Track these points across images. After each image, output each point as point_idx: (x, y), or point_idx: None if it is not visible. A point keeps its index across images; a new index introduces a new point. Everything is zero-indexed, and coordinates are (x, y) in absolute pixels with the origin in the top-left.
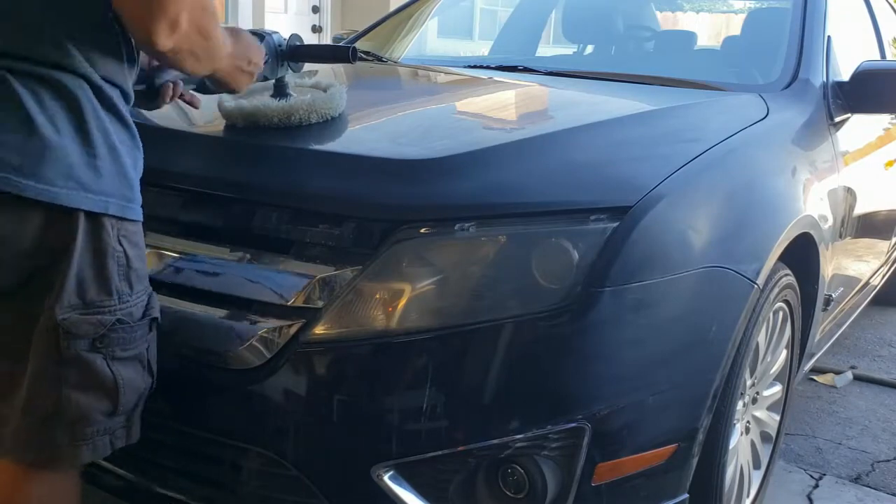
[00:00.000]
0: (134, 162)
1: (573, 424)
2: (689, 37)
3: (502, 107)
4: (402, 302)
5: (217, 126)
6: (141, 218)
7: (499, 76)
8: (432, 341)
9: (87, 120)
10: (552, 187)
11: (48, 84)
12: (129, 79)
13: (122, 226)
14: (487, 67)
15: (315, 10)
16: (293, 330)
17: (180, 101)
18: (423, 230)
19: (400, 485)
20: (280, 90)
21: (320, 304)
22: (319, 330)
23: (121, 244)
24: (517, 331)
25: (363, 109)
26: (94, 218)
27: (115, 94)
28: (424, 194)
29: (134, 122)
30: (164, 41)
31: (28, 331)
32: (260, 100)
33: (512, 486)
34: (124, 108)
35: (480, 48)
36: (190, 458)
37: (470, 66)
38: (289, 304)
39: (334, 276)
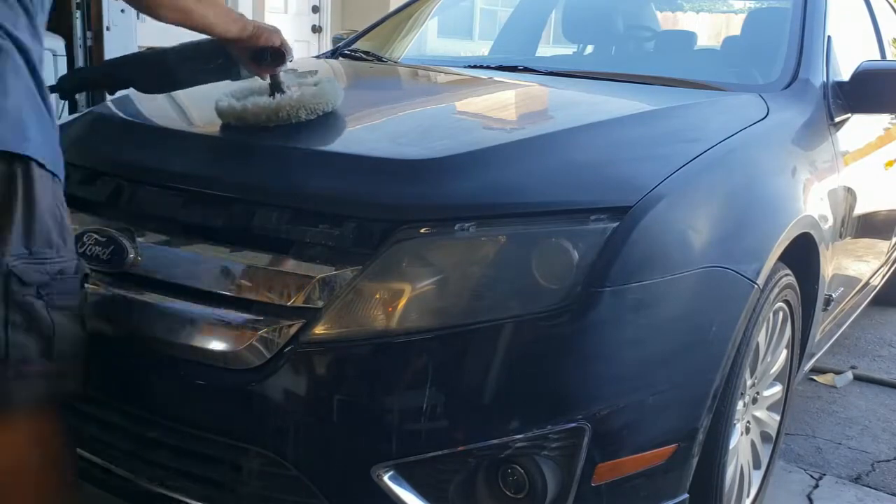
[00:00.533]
0: (54, 126)
1: (573, 424)
2: (689, 37)
3: (502, 107)
4: (402, 302)
5: (217, 126)
6: (62, 178)
7: (499, 76)
8: (432, 341)
9: (21, 79)
10: (552, 187)
11: None
12: (40, 43)
13: (55, 185)
14: (487, 67)
15: (315, 10)
16: (293, 330)
17: None
18: (423, 230)
19: (400, 485)
20: (274, 88)
21: (320, 304)
22: (319, 330)
23: (56, 203)
24: (517, 331)
25: (363, 109)
26: (35, 169)
27: (34, 59)
28: (424, 194)
29: (136, 122)
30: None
31: None
32: (251, 99)
33: (512, 486)
34: (40, 74)
35: (480, 48)
36: (190, 457)
37: (470, 66)
38: (289, 304)
39: (334, 276)
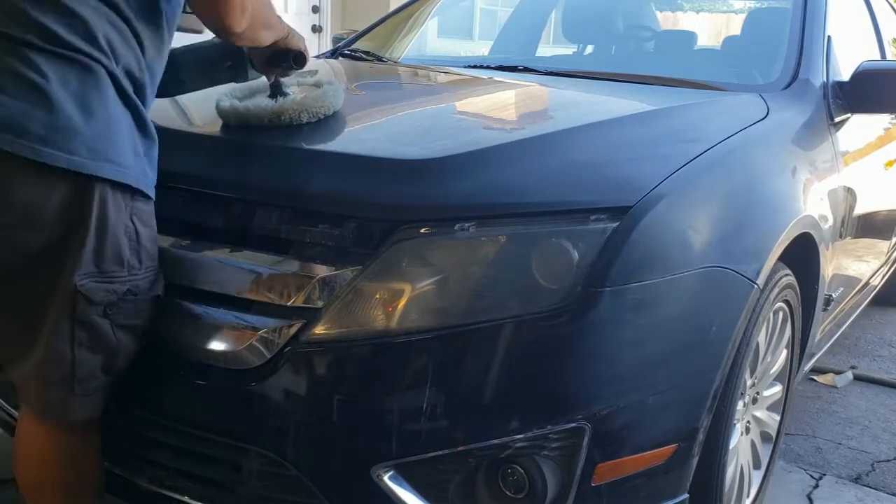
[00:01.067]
0: (147, 149)
1: (573, 424)
2: (689, 37)
3: (502, 107)
4: (402, 302)
5: (217, 126)
6: (153, 198)
7: (499, 76)
8: (432, 341)
9: (106, 101)
10: (552, 187)
11: (71, 65)
12: (146, 73)
13: (135, 205)
14: (487, 67)
15: (315, 10)
16: (293, 330)
17: None
18: (423, 230)
19: (400, 485)
20: (276, 90)
21: (320, 304)
22: (319, 330)
23: (132, 221)
24: (517, 331)
25: (363, 109)
26: (111, 190)
27: (128, 85)
28: (424, 194)
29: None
30: (238, 25)
31: (48, 295)
32: (252, 100)
33: (512, 486)
34: (138, 99)
35: (480, 48)
36: (190, 457)
37: (470, 66)
38: (289, 304)
39: (334, 276)
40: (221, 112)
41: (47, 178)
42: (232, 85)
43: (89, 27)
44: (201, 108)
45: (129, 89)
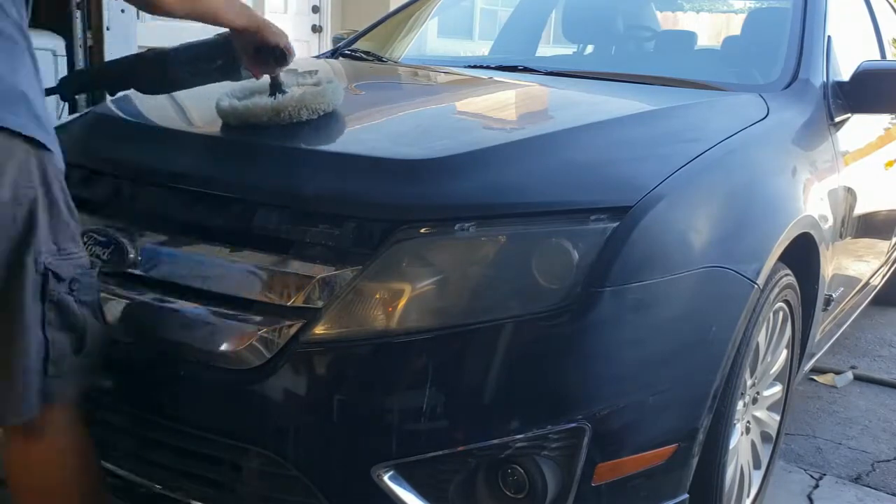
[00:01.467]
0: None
1: (573, 424)
2: (690, 37)
3: (502, 107)
4: (402, 302)
5: (217, 126)
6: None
7: (499, 76)
8: (432, 341)
9: (33, 69)
10: (552, 187)
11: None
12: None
13: (63, 180)
14: (487, 67)
15: (315, 10)
16: (293, 330)
17: None
18: (423, 230)
19: (400, 485)
20: (275, 88)
21: (320, 304)
22: (319, 330)
23: (67, 197)
24: (517, 331)
25: (363, 109)
26: (48, 160)
27: (24, 41)
28: (424, 194)
29: (136, 122)
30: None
31: (9, 283)
32: (252, 100)
33: (512, 486)
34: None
35: (480, 48)
36: (190, 457)
37: (470, 66)
38: (289, 304)
39: (334, 276)
40: (221, 112)
41: (5, 146)
42: (231, 85)
43: None
44: (200, 108)
45: (26, 45)
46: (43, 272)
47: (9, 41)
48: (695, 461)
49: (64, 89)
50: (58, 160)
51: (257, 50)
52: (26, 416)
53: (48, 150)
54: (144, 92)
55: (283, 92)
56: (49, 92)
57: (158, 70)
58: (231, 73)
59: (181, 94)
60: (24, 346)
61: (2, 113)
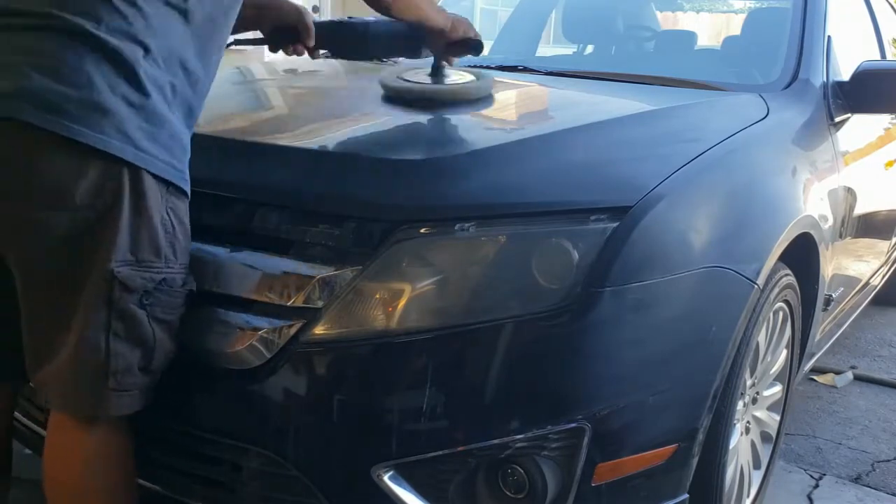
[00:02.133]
0: (186, 149)
1: (573, 424)
2: (690, 37)
3: (502, 107)
4: (402, 302)
5: (217, 126)
6: (188, 194)
7: (499, 76)
8: (432, 341)
9: (145, 89)
10: (552, 187)
11: (109, 49)
12: (194, 58)
13: (170, 198)
14: (487, 67)
15: (315, 9)
16: (293, 330)
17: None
18: (423, 230)
19: (400, 485)
20: (437, 73)
21: (320, 304)
22: (319, 330)
23: (168, 212)
24: (517, 331)
25: (364, 109)
26: (144, 177)
27: (172, 74)
28: (424, 194)
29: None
30: None
31: (81, 283)
32: (423, 81)
33: (512, 486)
34: (183, 88)
35: None
36: (190, 457)
37: (470, 66)
38: (289, 304)
39: (334, 276)
40: (396, 90)
41: (78, 159)
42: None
43: (128, 17)
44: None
45: (163, 82)
46: (110, 279)
47: (112, 52)
48: (695, 461)
49: (270, 43)
50: (160, 174)
51: (454, 41)
52: (74, 411)
53: (134, 165)
54: (338, 56)
55: (444, 76)
56: (254, 42)
57: (359, 38)
58: (414, 53)
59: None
60: (78, 347)
61: (79, 127)
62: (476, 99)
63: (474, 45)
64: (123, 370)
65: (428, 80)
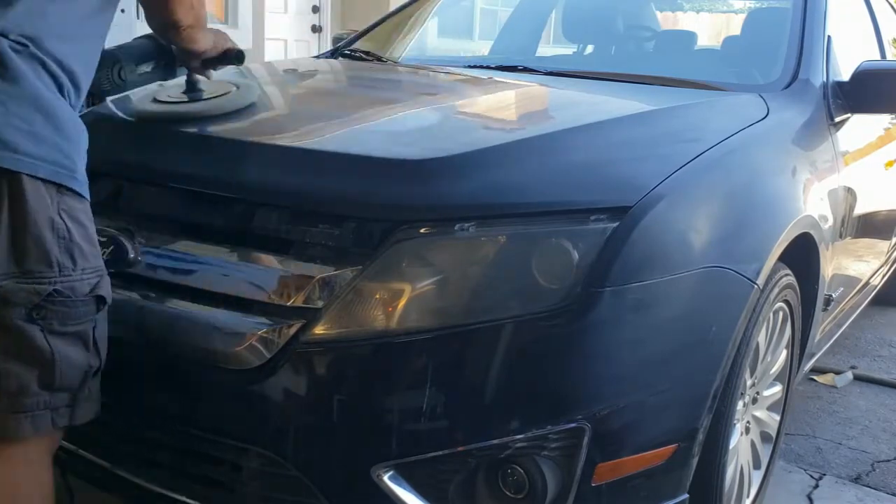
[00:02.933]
0: (76, 141)
1: (573, 425)
2: (690, 37)
3: (502, 107)
4: (402, 302)
5: (217, 126)
6: (86, 196)
7: (499, 76)
8: (432, 341)
9: (19, 87)
10: (552, 187)
11: None
12: (79, 59)
13: (62, 199)
14: (487, 67)
15: (315, 10)
16: (293, 330)
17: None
18: (423, 230)
19: (400, 485)
20: (191, 87)
21: (320, 304)
22: (319, 330)
23: (61, 216)
24: (517, 331)
25: (363, 109)
26: (24, 182)
27: (58, 72)
28: (424, 194)
29: (136, 122)
30: (186, 19)
31: None
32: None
33: (512, 486)
34: (67, 88)
35: (480, 48)
36: (190, 457)
37: (470, 66)
38: (289, 304)
39: (334, 276)
40: (149, 115)
41: None
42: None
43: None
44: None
45: (48, 77)
46: None
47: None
48: (695, 461)
49: None
50: (48, 177)
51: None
52: None
53: (14, 171)
54: (98, 94)
55: (199, 90)
56: None
57: (111, 70)
58: (170, 73)
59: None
60: None
61: None
62: (233, 112)
63: (235, 55)
64: (18, 390)
65: (184, 97)
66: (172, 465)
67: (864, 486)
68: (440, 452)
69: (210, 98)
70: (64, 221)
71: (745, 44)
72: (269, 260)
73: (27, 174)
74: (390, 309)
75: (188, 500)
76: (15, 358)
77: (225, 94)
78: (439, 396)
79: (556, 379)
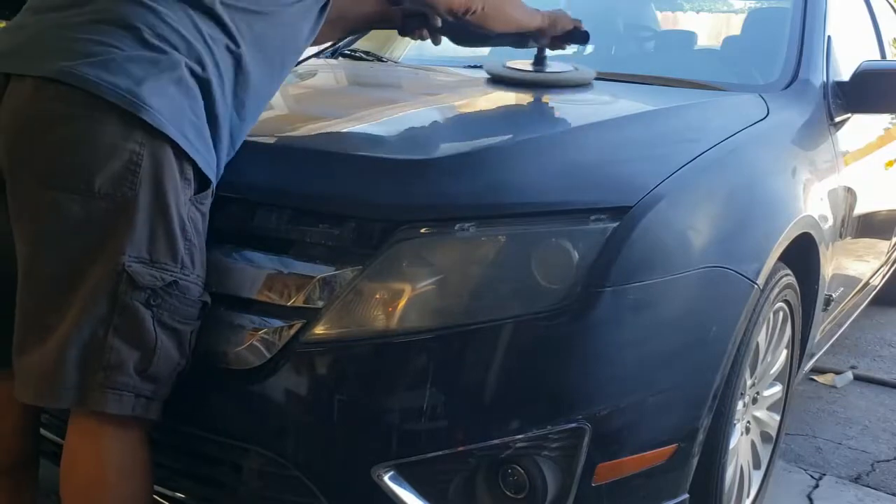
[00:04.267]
0: (222, 151)
1: (573, 425)
2: (690, 37)
3: (502, 107)
4: (402, 302)
5: None
6: (209, 200)
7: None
8: (432, 341)
9: (180, 87)
10: (552, 187)
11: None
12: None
13: (191, 208)
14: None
15: None
16: (293, 330)
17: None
18: (423, 230)
19: (400, 485)
20: (540, 62)
21: (320, 304)
22: (319, 330)
23: (190, 222)
24: (517, 331)
25: (363, 109)
26: (169, 164)
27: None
28: (424, 194)
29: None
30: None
31: (90, 270)
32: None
33: (512, 486)
34: (245, 96)
35: (480, 48)
36: (190, 457)
37: (469, 66)
38: (289, 304)
39: (334, 276)
40: (500, 76)
41: (125, 125)
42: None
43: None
44: None
45: (214, 87)
46: (119, 272)
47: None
48: (695, 461)
49: (400, 28)
50: (189, 172)
51: (560, 34)
52: (54, 402)
53: (176, 155)
54: (458, 42)
55: (546, 65)
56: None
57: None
58: (521, 44)
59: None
60: (72, 330)
61: (137, 89)
62: (574, 85)
63: (580, 36)
64: (116, 366)
65: (530, 68)
66: (172, 464)
67: (864, 486)
68: (440, 452)
69: (555, 73)
70: (192, 224)
71: (745, 44)
72: (269, 260)
73: (178, 153)
74: (390, 309)
75: (188, 500)
76: (123, 336)
77: (567, 71)
78: (439, 396)
79: (556, 379)
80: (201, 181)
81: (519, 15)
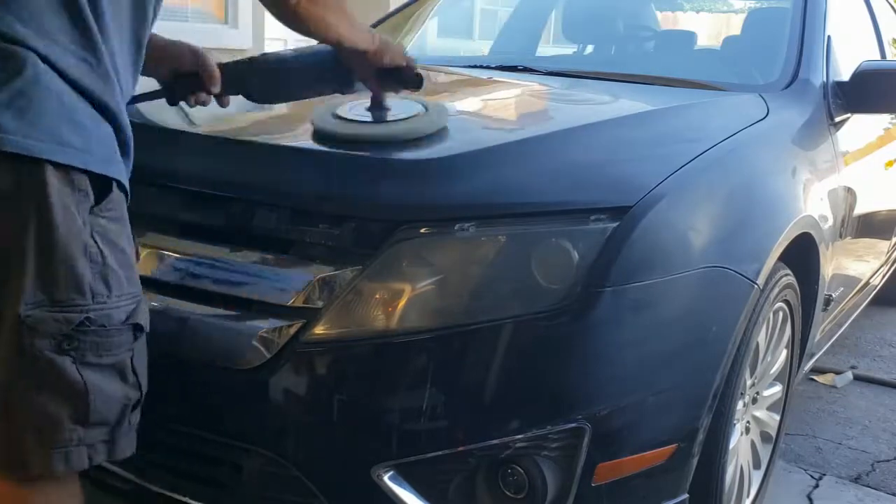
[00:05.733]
0: (113, 150)
1: (573, 424)
2: (689, 37)
3: (502, 107)
4: (402, 302)
5: (217, 126)
6: (122, 201)
7: (499, 76)
8: (432, 341)
9: (47, 89)
10: (552, 187)
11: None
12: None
13: (96, 221)
14: (487, 67)
15: None
16: (293, 330)
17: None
18: (423, 230)
19: (400, 485)
20: (377, 106)
21: (320, 304)
22: (319, 330)
23: (94, 239)
24: (517, 331)
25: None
26: (58, 185)
27: (83, 76)
28: (424, 194)
29: (136, 122)
30: None
31: None
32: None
33: (512, 486)
34: (101, 93)
35: (480, 48)
36: (190, 457)
37: (470, 66)
38: (289, 304)
39: (334, 276)
40: (327, 133)
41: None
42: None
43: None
44: (199, 108)
45: (77, 75)
46: (17, 324)
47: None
48: (695, 461)
49: (168, 94)
50: (84, 182)
51: (383, 71)
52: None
53: (58, 172)
54: (254, 100)
55: (385, 109)
56: (151, 96)
57: (271, 76)
58: (346, 85)
59: (284, 102)
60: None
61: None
62: (425, 136)
63: (412, 80)
64: (47, 425)
65: (367, 115)
66: (172, 465)
67: (864, 486)
68: (440, 452)
69: (397, 120)
70: (97, 243)
71: (745, 44)
72: (269, 260)
73: (65, 171)
74: (390, 309)
75: (188, 500)
76: (45, 391)
77: (414, 116)
78: (439, 396)
79: (556, 379)
80: (103, 183)
81: (344, 28)
